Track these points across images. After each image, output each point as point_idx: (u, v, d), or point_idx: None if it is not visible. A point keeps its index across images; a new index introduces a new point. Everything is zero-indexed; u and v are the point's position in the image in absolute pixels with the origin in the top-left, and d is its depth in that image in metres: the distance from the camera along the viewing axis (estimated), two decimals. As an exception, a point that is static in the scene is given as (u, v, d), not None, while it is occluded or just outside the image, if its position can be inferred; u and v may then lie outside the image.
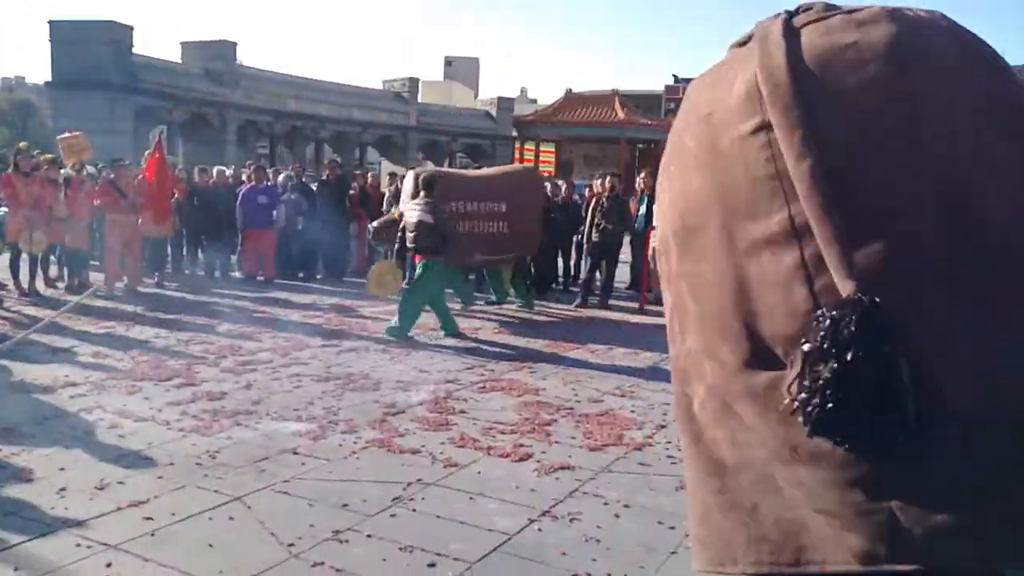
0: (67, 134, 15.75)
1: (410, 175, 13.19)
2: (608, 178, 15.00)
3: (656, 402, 8.07)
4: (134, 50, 32.65)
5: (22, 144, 16.15)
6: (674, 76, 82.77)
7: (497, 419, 7.41)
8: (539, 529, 5.12)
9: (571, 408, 7.78)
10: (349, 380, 8.56)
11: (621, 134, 46.48)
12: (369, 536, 4.91)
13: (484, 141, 48.79)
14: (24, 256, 14.03)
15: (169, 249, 16.64)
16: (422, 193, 11.43)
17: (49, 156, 15.65)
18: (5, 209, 14.69)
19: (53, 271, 15.24)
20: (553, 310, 14.14)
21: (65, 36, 31.10)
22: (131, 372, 8.67)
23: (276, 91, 38.72)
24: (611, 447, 6.71)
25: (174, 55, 37.23)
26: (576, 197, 17.52)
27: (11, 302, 13.19)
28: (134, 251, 14.61)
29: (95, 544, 4.66)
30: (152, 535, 4.84)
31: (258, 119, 37.92)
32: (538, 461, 6.34)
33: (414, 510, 5.34)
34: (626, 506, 5.50)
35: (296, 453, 6.33)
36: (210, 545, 4.75)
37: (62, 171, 15.11)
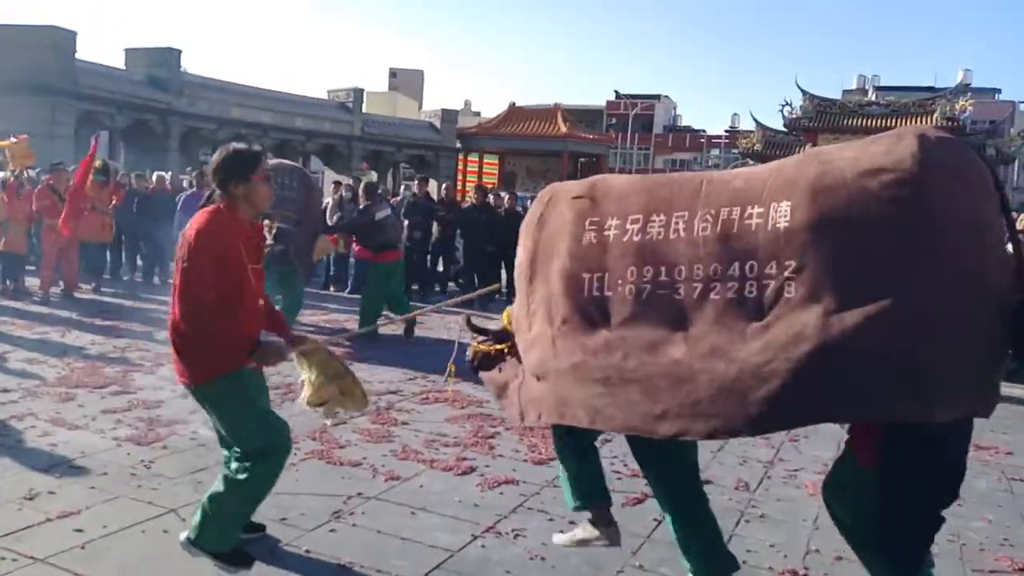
0: (13, 139, 15.39)
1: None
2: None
3: (600, 416, 8.01)
4: (77, 55, 32.18)
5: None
6: (615, 92, 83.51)
7: (440, 431, 7.33)
8: (482, 546, 5.05)
9: (515, 421, 7.70)
10: (288, 390, 8.40)
11: (563, 147, 46.73)
12: (307, 551, 4.81)
13: (428, 152, 48.76)
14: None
15: (108, 255, 16.38)
16: (365, 200, 11.95)
17: (-15, 159, 15.40)
18: None
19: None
20: (496, 321, 14.02)
21: (7, 40, 30.45)
22: (65, 379, 8.47)
23: (220, 99, 38.35)
24: (556, 461, 6.62)
25: (118, 61, 36.79)
26: (519, 208, 17.53)
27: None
28: (70, 256, 14.33)
29: (22, 557, 4.51)
30: (83, 548, 4.69)
31: (201, 126, 37.54)
32: (481, 475, 6.27)
33: (354, 525, 5.24)
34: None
35: (234, 464, 6.19)
36: (143, 559, 4.62)
37: (0, 175, 14.86)
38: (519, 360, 4.55)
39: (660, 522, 5.47)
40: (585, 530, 4.71)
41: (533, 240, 4.47)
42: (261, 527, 4.94)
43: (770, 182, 3.65)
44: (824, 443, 7.24)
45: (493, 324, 5.08)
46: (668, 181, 4.16)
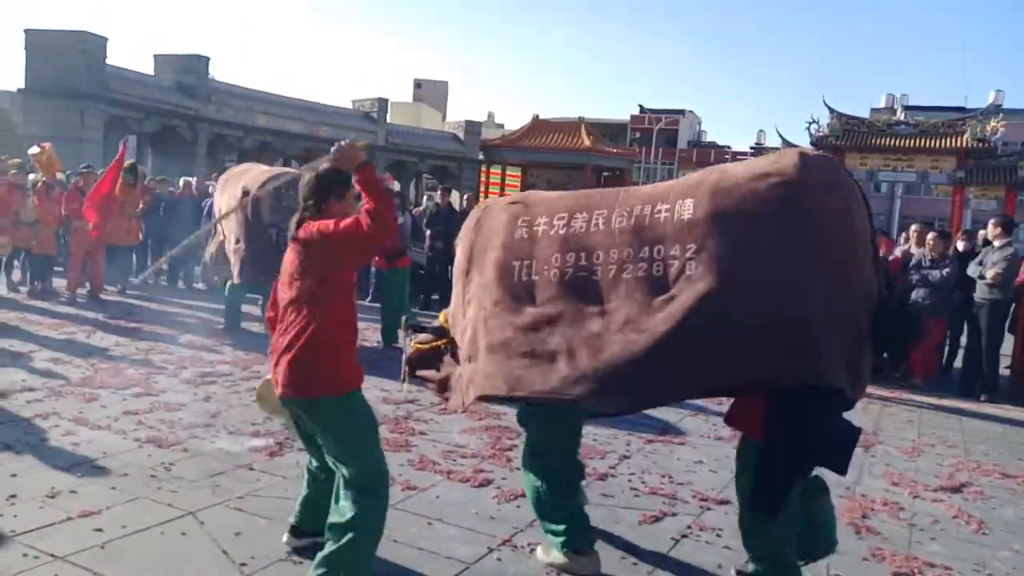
0: (37, 148, 15.51)
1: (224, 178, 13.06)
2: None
3: (619, 432, 8.01)
4: (107, 61, 32.45)
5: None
6: (640, 106, 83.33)
7: (457, 442, 7.34)
8: (498, 559, 5.05)
9: (533, 434, 7.69)
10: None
11: (587, 161, 46.63)
12: (324, 557, 4.81)
13: (451, 163, 48.84)
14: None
15: (134, 258, 16.50)
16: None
17: (16, 160, 15.51)
18: None
19: (16, 275, 15.08)
20: (434, 321, 14.02)
21: (40, 44, 30.90)
22: (89, 379, 8.54)
23: (246, 106, 38.57)
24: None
25: (147, 67, 37.05)
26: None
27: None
28: (97, 258, 14.45)
29: (43, 555, 4.55)
30: (102, 548, 4.73)
31: (228, 133, 37.75)
32: (498, 487, 6.27)
33: (371, 532, 5.24)
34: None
35: (252, 469, 6.23)
36: (161, 561, 4.65)
37: (30, 176, 14.99)
38: (456, 357, 5.00)
39: (678, 541, 5.48)
40: (567, 555, 4.89)
41: (470, 241, 5.03)
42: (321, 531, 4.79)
43: (676, 187, 4.45)
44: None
45: (432, 324, 5.39)
46: (593, 192, 4.91)
